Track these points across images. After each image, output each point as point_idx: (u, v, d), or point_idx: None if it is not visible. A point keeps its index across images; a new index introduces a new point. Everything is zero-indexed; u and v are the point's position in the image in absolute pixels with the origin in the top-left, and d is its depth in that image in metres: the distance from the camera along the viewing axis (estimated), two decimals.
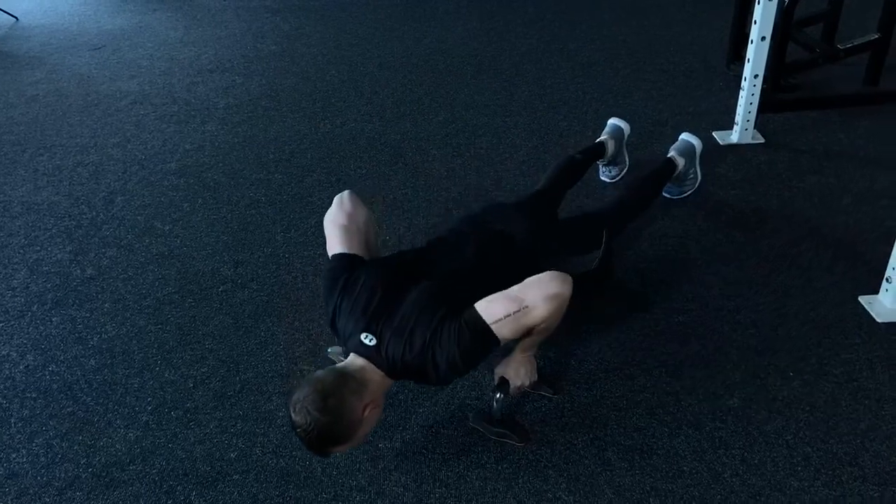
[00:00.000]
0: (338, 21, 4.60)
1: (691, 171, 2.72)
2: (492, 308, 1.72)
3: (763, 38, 2.90)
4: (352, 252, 1.95)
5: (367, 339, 1.77)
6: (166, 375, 2.16)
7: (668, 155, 2.67)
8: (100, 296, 2.48)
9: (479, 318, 1.72)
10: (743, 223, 2.65)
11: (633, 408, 1.99)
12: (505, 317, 1.71)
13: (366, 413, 1.70)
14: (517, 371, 1.92)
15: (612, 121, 2.85)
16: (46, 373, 2.20)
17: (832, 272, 2.40)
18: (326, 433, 1.63)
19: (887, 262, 2.27)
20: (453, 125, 3.38)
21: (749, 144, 3.11)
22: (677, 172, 2.64)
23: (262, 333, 2.29)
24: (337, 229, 1.99)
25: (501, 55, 4.03)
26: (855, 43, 3.36)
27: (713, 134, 3.17)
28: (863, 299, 2.28)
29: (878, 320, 2.21)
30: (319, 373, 1.72)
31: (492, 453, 1.89)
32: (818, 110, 3.33)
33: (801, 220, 2.66)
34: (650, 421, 1.95)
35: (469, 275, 1.90)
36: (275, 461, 1.90)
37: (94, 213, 2.89)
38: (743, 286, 2.36)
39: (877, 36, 3.33)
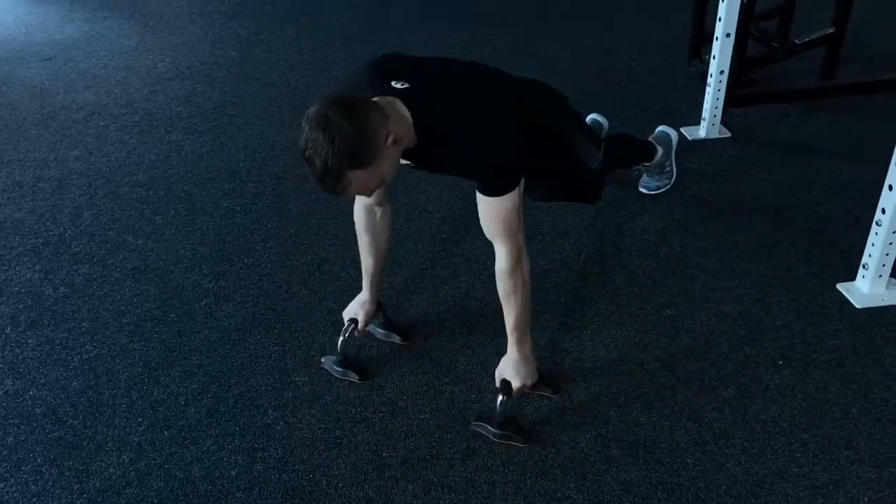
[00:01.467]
0: (297, 26, 4.55)
1: (667, 165, 2.76)
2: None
3: (728, 35, 2.97)
4: None
5: (399, 84, 1.63)
6: (155, 394, 2.10)
7: (648, 139, 2.72)
8: (76, 315, 2.40)
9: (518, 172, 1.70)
10: (719, 216, 2.71)
11: (632, 403, 2.01)
12: (516, 210, 1.70)
13: (388, 142, 1.53)
14: (518, 372, 1.92)
15: (592, 116, 2.88)
16: (27, 397, 2.11)
17: (809, 262, 2.47)
18: (349, 146, 1.44)
19: (860, 249, 2.35)
20: None
21: (717, 139, 3.17)
22: (656, 159, 2.68)
23: (252, 347, 2.25)
24: None
25: (467, 57, 4.02)
26: (812, 37, 3.47)
27: (681, 129, 3.22)
28: (841, 287, 2.35)
29: (858, 306, 2.27)
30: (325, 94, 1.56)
31: (497, 456, 1.88)
32: (778, 104, 3.42)
33: (774, 211, 2.72)
34: (650, 415, 1.97)
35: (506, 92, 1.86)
36: (278, 476, 1.86)
37: (61, 230, 2.80)
38: (725, 278, 2.41)
39: (832, 30, 3.44)
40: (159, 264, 2.60)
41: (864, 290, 2.32)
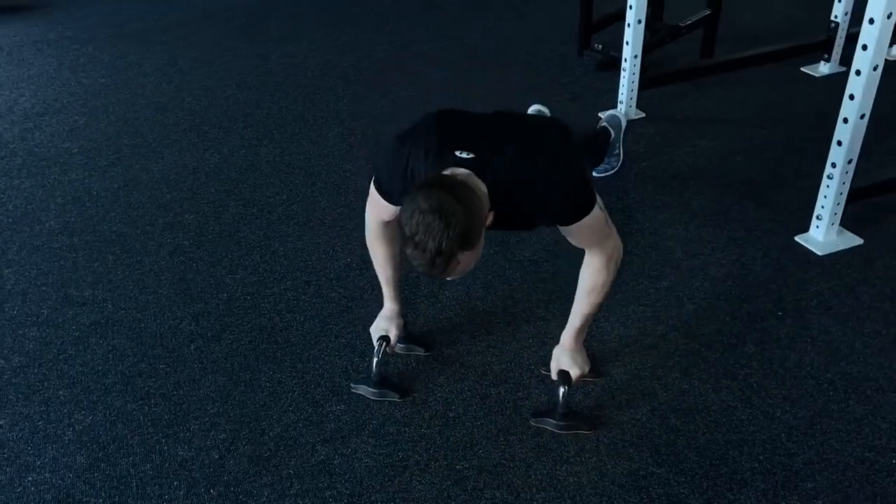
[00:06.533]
0: (165, 46, 4.25)
1: (616, 147, 2.88)
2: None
3: (639, 21, 3.14)
4: None
5: (463, 154, 1.60)
6: (181, 452, 1.89)
7: (601, 124, 2.81)
8: (45, 384, 2.10)
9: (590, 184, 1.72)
10: (669, 189, 2.86)
11: (670, 373, 2.08)
12: (601, 211, 1.72)
13: (487, 221, 1.56)
14: (575, 361, 1.93)
15: (535, 107, 2.95)
16: (28, 484, 1.83)
17: (762, 220, 2.68)
18: (464, 230, 1.45)
19: (799, 203, 2.63)
20: (352, 137, 3.28)
21: (635, 120, 3.35)
22: (610, 141, 2.79)
23: (267, 383, 2.08)
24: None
25: (361, 63, 3.97)
26: (693, 20, 3.75)
27: (599, 115, 3.37)
28: (799, 238, 2.57)
29: (819, 254, 2.50)
30: (427, 176, 1.56)
31: (569, 447, 1.88)
32: (673, 84, 3.66)
33: (713, 178, 2.92)
34: (690, 381, 2.05)
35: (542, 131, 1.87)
36: None
37: None
38: (699, 245, 2.56)
39: (708, 12, 3.74)
40: (121, 315, 2.34)
41: (819, 238, 2.55)
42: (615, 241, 1.80)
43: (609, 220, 1.77)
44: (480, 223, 1.52)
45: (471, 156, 1.60)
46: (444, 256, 1.46)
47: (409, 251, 1.49)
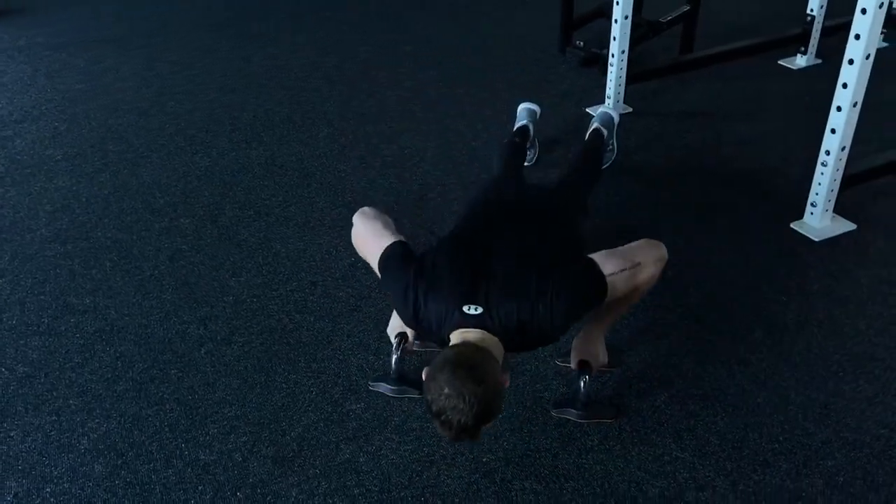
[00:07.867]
0: (141, 50, 4.18)
1: (610, 143, 2.91)
2: (608, 262, 1.75)
3: (626, 17, 3.18)
4: (404, 239, 1.86)
5: (472, 310, 1.66)
6: (202, 457, 1.86)
7: (593, 126, 2.83)
8: (54, 393, 2.05)
9: (598, 267, 1.73)
10: (664, 182, 2.90)
11: (683, 360, 2.11)
12: (620, 271, 1.74)
13: (506, 384, 1.64)
14: (596, 350, 1.95)
15: (524, 105, 2.96)
16: (46, 495, 1.78)
17: (756, 209, 2.73)
18: (486, 406, 1.51)
19: (790, 192, 2.70)
20: (343, 138, 3.26)
21: (623, 115, 3.38)
22: (603, 139, 2.82)
23: (283, 384, 2.06)
24: (377, 223, 1.91)
25: (345, 64, 3.95)
26: (673, 16, 3.81)
27: (587, 110, 3.41)
28: (794, 225, 2.62)
29: (816, 240, 2.56)
30: (447, 352, 1.60)
31: (593, 436, 1.90)
32: (657, 79, 3.72)
33: (705, 171, 2.98)
34: (705, 367, 2.08)
35: (535, 231, 1.90)
36: None
37: None
38: (698, 235, 2.59)
39: (688, 8, 3.81)
40: (125, 321, 2.30)
41: (814, 225, 2.61)
42: (650, 263, 1.82)
43: (632, 261, 1.78)
44: (501, 394, 1.59)
45: (479, 311, 1.66)
46: (469, 432, 1.53)
47: (435, 424, 1.55)
